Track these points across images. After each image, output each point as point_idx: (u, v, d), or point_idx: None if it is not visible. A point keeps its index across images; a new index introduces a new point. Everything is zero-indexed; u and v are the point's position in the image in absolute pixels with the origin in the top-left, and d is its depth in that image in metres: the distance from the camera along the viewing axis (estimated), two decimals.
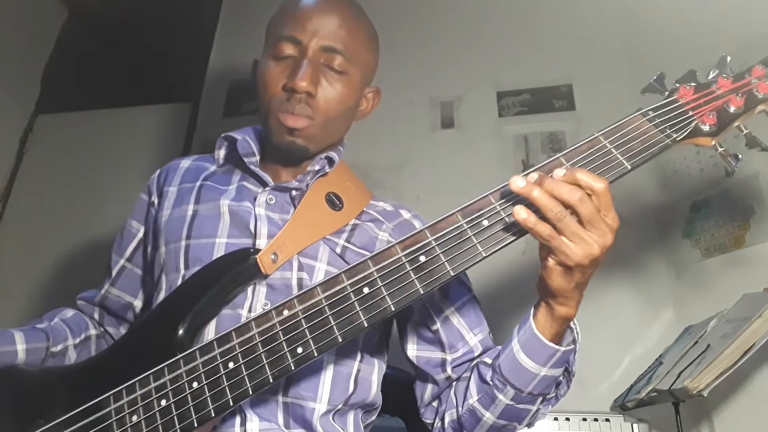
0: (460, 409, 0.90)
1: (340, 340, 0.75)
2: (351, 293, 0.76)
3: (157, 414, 0.76)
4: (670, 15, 2.09)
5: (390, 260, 0.76)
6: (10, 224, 2.57)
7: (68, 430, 0.77)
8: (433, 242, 0.75)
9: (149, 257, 1.04)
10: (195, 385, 0.76)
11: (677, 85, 0.85)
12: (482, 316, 0.99)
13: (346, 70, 0.96)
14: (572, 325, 0.83)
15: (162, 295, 0.94)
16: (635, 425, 1.44)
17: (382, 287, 0.75)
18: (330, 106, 0.95)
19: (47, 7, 2.88)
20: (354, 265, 0.77)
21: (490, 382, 0.86)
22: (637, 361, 1.74)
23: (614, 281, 1.86)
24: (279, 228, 0.92)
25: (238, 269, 0.87)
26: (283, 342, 0.75)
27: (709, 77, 0.85)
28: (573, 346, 0.83)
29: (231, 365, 0.76)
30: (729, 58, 0.85)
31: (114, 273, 1.07)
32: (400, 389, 1.07)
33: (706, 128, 0.81)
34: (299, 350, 0.75)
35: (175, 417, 0.75)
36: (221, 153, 1.04)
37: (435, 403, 0.97)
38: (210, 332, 0.86)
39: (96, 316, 1.08)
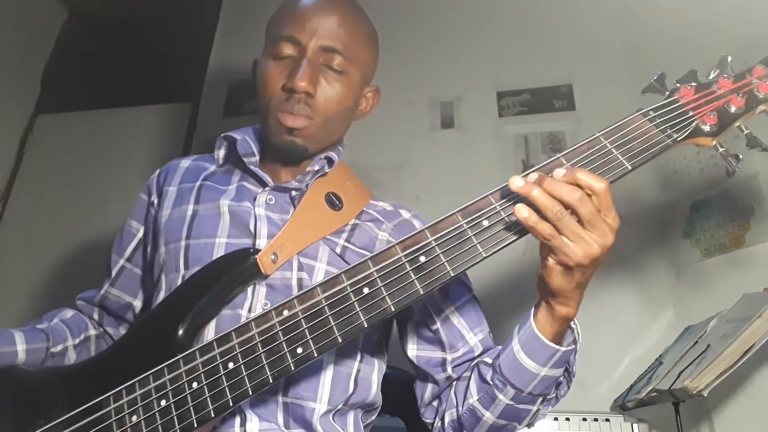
0: (460, 408, 0.90)
1: (340, 341, 0.75)
2: (351, 293, 0.76)
3: (157, 414, 0.76)
4: (670, 15, 2.09)
5: (390, 260, 0.76)
6: (10, 224, 2.57)
7: (68, 430, 0.77)
8: (433, 242, 0.75)
9: (149, 257, 1.04)
10: (195, 385, 0.76)
11: (678, 85, 0.85)
12: (482, 315, 0.99)
13: (345, 69, 0.96)
14: (573, 326, 0.83)
15: (162, 295, 0.94)
16: (635, 425, 1.43)
17: (382, 287, 0.75)
18: (329, 105, 0.95)
19: (47, 7, 2.88)
20: (354, 265, 0.77)
21: (491, 382, 0.86)
22: (637, 361, 1.74)
23: (614, 281, 1.86)
24: (279, 228, 0.92)
25: (238, 269, 0.87)
26: (283, 342, 0.75)
27: (710, 77, 0.85)
28: (573, 346, 0.83)
29: (231, 365, 0.76)
30: (730, 58, 0.85)
31: (113, 273, 1.07)
32: (400, 389, 1.07)
33: (706, 128, 0.81)
34: (299, 350, 0.75)
35: (175, 417, 0.75)
36: (221, 153, 1.04)
37: (435, 403, 0.97)
38: (210, 332, 0.86)
39: (95, 316, 1.08)
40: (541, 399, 0.86)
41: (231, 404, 0.75)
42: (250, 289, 0.88)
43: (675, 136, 0.80)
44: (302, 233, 0.92)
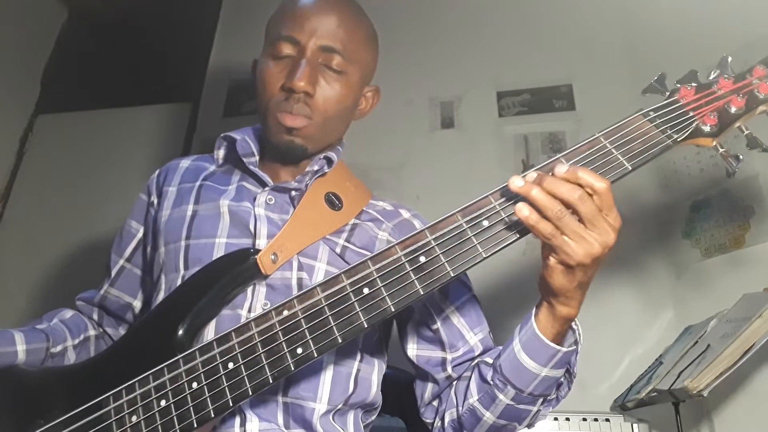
0: (460, 408, 0.90)
1: (340, 341, 0.75)
2: (351, 293, 0.76)
3: (157, 414, 0.76)
4: (670, 15, 2.09)
5: (390, 260, 0.76)
6: (10, 224, 2.57)
7: (68, 430, 0.77)
8: (433, 242, 0.75)
9: (149, 257, 1.04)
10: (194, 385, 0.76)
11: (678, 85, 0.85)
12: (482, 315, 0.99)
13: (344, 69, 0.96)
14: (574, 326, 0.83)
15: (161, 296, 0.94)
16: (635, 425, 1.43)
17: (382, 287, 0.75)
18: (328, 105, 0.95)
19: (47, 7, 2.88)
20: (354, 265, 0.77)
21: (491, 382, 0.86)
22: (637, 361, 1.74)
23: (614, 282, 1.86)
24: (279, 228, 0.92)
25: (238, 269, 0.87)
26: (283, 342, 0.75)
27: (710, 78, 0.85)
28: (575, 347, 0.83)
29: (231, 365, 0.75)
30: (730, 59, 0.85)
31: (113, 273, 1.07)
32: (400, 389, 1.07)
33: (707, 129, 0.81)
34: (299, 351, 0.75)
35: (175, 417, 0.75)
36: (220, 153, 1.04)
37: (435, 403, 0.97)
38: (210, 332, 0.86)
39: (95, 316, 1.08)
40: (541, 399, 0.86)
41: (231, 404, 0.75)
42: (249, 289, 0.88)
43: (675, 136, 0.80)
44: (302, 233, 0.92)
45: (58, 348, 0.96)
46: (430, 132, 2.25)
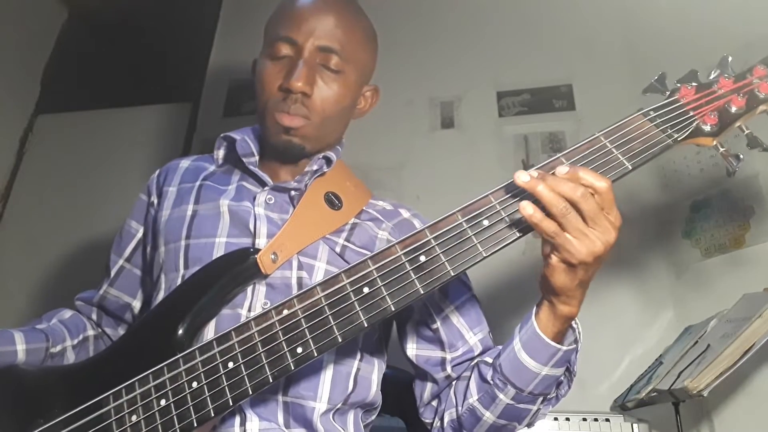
0: (459, 408, 0.90)
1: (340, 340, 0.75)
2: (351, 293, 0.76)
3: (157, 414, 0.75)
4: (670, 15, 2.09)
5: (390, 260, 0.76)
6: (10, 224, 2.57)
7: (67, 430, 0.77)
8: (433, 242, 0.75)
9: (148, 257, 1.04)
10: (194, 384, 0.76)
11: (678, 85, 0.85)
12: (482, 315, 0.99)
13: (342, 69, 0.96)
14: (574, 325, 0.83)
15: (161, 295, 0.94)
16: (635, 425, 1.43)
17: (381, 287, 0.75)
18: (326, 105, 0.95)
19: (47, 7, 2.88)
20: (354, 264, 0.77)
21: (491, 381, 0.86)
22: (637, 361, 1.74)
23: (614, 281, 1.86)
24: (278, 227, 0.92)
25: (238, 269, 0.87)
26: (283, 342, 0.75)
27: (711, 77, 0.85)
28: (575, 345, 0.83)
29: (230, 365, 0.75)
30: (730, 59, 0.85)
31: (113, 273, 1.07)
32: (400, 389, 1.07)
33: (707, 128, 0.81)
34: (299, 350, 0.75)
35: (175, 417, 0.75)
36: (220, 153, 1.04)
37: (434, 403, 0.97)
38: (209, 332, 0.86)
39: (94, 316, 1.08)
40: (541, 398, 0.86)
41: (231, 404, 0.75)
42: (249, 289, 0.88)
43: (675, 136, 0.80)
44: (302, 233, 0.92)
45: (58, 348, 0.96)
46: (430, 132, 2.25)
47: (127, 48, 2.82)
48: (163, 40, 2.72)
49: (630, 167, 0.77)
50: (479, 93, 2.26)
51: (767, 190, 1.75)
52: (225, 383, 0.75)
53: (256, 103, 0.99)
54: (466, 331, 0.95)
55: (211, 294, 0.86)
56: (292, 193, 0.98)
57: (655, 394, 1.42)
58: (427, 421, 0.98)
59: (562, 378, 0.87)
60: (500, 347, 0.89)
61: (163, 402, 0.76)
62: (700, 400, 1.44)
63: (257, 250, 0.88)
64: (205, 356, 0.77)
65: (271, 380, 0.75)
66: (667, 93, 0.84)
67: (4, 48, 2.56)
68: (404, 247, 0.76)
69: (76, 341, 1.01)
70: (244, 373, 0.75)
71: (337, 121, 1.00)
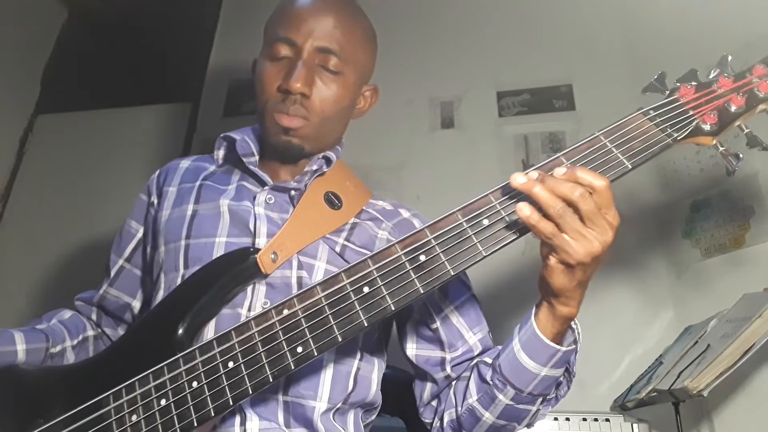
0: (459, 408, 0.90)
1: (340, 340, 0.75)
2: (351, 292, 0.76)
3: (157, 413, 0.75)
4: (670, 15, 2.09)
5: (390, 259, 0.76)
6: (10, 224, 2.57)
7: (67, 430, 0.77)
8: (432, 241, 0.75)
9: (148, 257, 1.04)
10: (194, 384, 0.76)
11: (678, 84, 0.85)
12: (482, 315, 0.99)
13: (341, 70, 0.96)
14: (573, 326, 0.83)
15: (161, 295, 0.94)
16: (635, 425, 1.43)
17: (381, 286, 0.75)
18: (325, 106, 0.96)
19: (47, 7, 2.88)
20: (354, 264, 0.77)
21: (490, 382, 0.86)
22: (637, 361, 1.74)
23: (614, 281, 1.86)
24: (278, 227, 0.92)
25: (238, 268, 0.87)
26: (283, 341, 0.75)
27: (710, 76, 0.85)
28: (574, 346, 0.83)
29: (230, 364, 0.75)
30: (730, 58, 0.85)
31: (113, 273, 1.07)
32: (400, 389, 1.07)
33: (706, 127, 0.81)
34: (299, 349, 0.75)
35: (175, 416, 0.75)
36: (220, 153, 1.04)
37: (434, 403, 0.97)
38: (209, 332, 0.86)
39: (93, 317, 1.08)
40: (540, 399, 0.86)
41: (231, 403, 0.75)
42: (249, 288, 0.88)
43: (675, 135, 0.80)
44: (302, 232, 0.92)
45: (57, 348, 0.96)
46: (430, 132, 2.25)
47: (127, 48, 2.82)
48: (163, 40, 2.72)
49: (630, 166, 0.77)
50: (479, 93, 2.26)
51: (767, 189, 1.75)
52: (225, 383, 0.75)
53: (256, 104, 0.99)
54: (466, 330, 0.95)
55: (211, 294, 0.86)
56: (292, 192, 0.98)
57: (655, 394, 1.42)
58: (426, 421, 0.98)
59: (561, 379, 0.87)
60: (500, 347, 0.89)
61: (163, 402, 0.76)
62: (700, 400, 1.44)
63: (257, 250, 0.88)
64: (205, 356, 0.77)
65: (271, 380, 0.75)
66: (667, 92, 0.84)
67: (4, 48, 2.56)
68: (404, 246, 0.76)
69: (75, 341, 1.01)
70: (244, 372, 0.75)
71: (337, 122, 1.00)
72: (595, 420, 1.45)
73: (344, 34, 0.97)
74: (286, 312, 0.76)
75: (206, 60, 2.57)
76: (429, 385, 0.97)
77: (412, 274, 0.75)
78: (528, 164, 2.09)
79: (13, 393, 0.85)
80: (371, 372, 0.94)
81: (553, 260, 0.74)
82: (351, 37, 0.98)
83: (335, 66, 0.96)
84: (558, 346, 0.80)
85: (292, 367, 0.74)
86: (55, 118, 2.74)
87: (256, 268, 0.87)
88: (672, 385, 1.34)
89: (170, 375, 0.77)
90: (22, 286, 2.39)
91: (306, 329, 0.75)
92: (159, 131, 2.60)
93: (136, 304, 1.07)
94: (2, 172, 2.61)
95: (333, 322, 0.75)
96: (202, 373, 0.76)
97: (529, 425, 0.90)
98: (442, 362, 0.95)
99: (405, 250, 0.76)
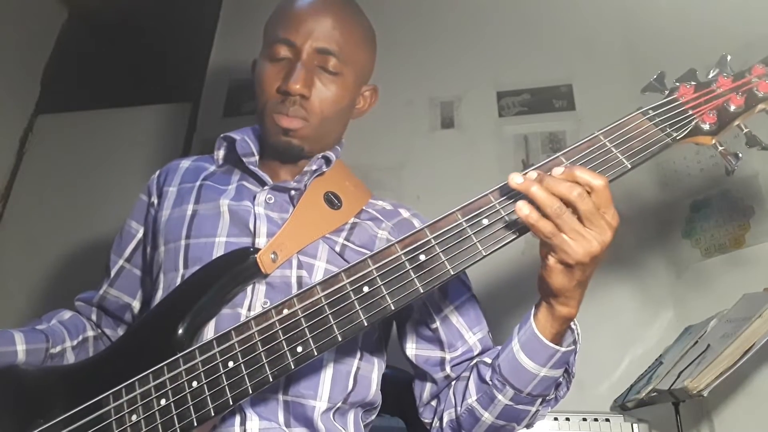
0: (458, 408, 0.90)
1: (340, 339, 0.75)
2: (351, 292, 0.76)
3: (157, 413, 0.75)
4: (670, 15, 2.09)
5: (389, 259, 0.76)
6: (10, 224, 2.57)
7: (67, 429, 0.77)
8: (432, 241, 0.75)
9: (148, 257, 1.04)
10: (194, 384, 0.76)
11: (677, 84, 0.85)
12: (482, 315, 0.99)
13: (340, 71, 0.96)
14: (573, 326, 0.83)
15: (161, 294, 0.94)
16: (635, 425, 1.43)
17: (381, 286, 0.75)
18: (324, 107, 0.96)
19: (47, 7, 2.88)
20: (353, 263, 0.77)
21: (490, 382, 0.86)
22: (637, 361, 1.74)
23: (614, 281, 1.86)
24: (278, 227, 0.92)
25: (238, 268, 0.87)
26: (283, 341, 0.75)
27: (710, 76, 0.85)
28: (573, 347, 0.83)
29: (230, 364, 0.75)
30: (729, 57, 0.85)
31: (113, 273, 1.07)
32: (400, 389, 1.07)
33: (706, 127, 0.81)
34: (299, 349, 0.75)
35: (175, 416, 0.75)
36: (220, 153, 1.04)
37: (434, 403, 0.97)
38: (209, 331, 0.86)
39: (93, 317, 1.08)
40: (540, 400, 0.86)
41: (231, 403, 0.75)
42: (249, 288, 0.88)
43: (674, 134, 0.80)
44: (302, 232, 0.92)
45: (57, 349, 0.96)
46: (430, 132, 2.25)
47: (127, 48, 2.82)
48: (163, 40, 2.72)
49: (629, 166, 0.77)
50: (479, 93, 2.26)
51: (767, 189, 1.75)
52: (225, 383, 0.75)
53: (256, 104, 0.99)
54: (466, 330, 0.95)
55: (211, 293, 0.86)
56: (292, 192, 0.98)
57: (655, 394, 1.42)
58: (426, 421, 0.98)
59: (560, 379, 0.87)
60: (499, 347, 0.89)
61: (163, 401, 0.76)
62: (700, 400, 1.44)
63: (257, 250, 0.88)
64: (205, 356, 0.77)
65: (271, 379, 0.75)
66: (666, 92, 0.84)
67: (4, 48, 2.56)
68: (404, 246, 0.76)
69: (75, 342, 1.01)
70: (244, 372, 0.75)
71: (336, 122, 1.01)
72: (595, 420, 1.45)
73: (343, 34, 0.97)
74: (286, 312, 0.76)
75: (206, 60, 2.57)
76: (428, 385, 0.97)
77: (412, 273, 0.75)
78: (528, 164, 2.09)
79: (13, 393, 0.85)
80: (371, 372, 0.94)
81: (552, 260, 0.74)
82: (350, 37, 0.98)
83: (334, 67, 0.96)
84: (557, 347, 0.80)
85: (292, 367, 0.74)
86: (55, 118, 2.74)
87: (256, 268, 0.87)
88: (672, 385, 1.34)
89: (170, 375, 0.77)
90: (22, 286, 2.39)
91: (306, 329, 0.75)
92: (159, 131, 2.60)
93: (136, 305, 1.07)
94: (2, 172, 2.61)
95: (333, 322, 0.75)
96: (202, 373, 0.76)
97: (528, 426, 0.90)
98: (441, 362, 0.95)
99: (405, 250, 0.76)
